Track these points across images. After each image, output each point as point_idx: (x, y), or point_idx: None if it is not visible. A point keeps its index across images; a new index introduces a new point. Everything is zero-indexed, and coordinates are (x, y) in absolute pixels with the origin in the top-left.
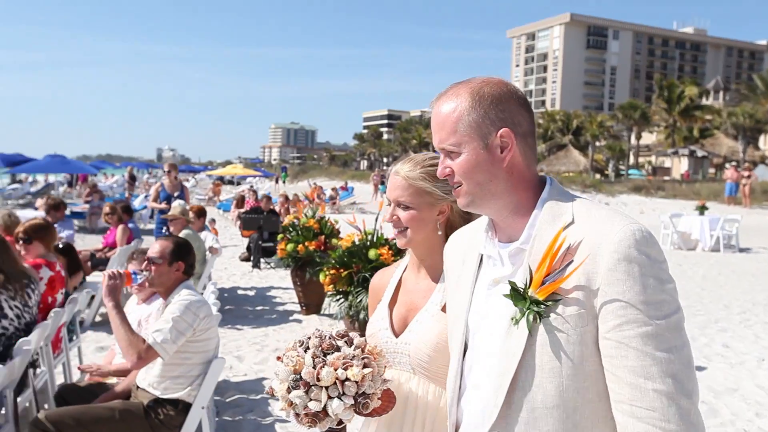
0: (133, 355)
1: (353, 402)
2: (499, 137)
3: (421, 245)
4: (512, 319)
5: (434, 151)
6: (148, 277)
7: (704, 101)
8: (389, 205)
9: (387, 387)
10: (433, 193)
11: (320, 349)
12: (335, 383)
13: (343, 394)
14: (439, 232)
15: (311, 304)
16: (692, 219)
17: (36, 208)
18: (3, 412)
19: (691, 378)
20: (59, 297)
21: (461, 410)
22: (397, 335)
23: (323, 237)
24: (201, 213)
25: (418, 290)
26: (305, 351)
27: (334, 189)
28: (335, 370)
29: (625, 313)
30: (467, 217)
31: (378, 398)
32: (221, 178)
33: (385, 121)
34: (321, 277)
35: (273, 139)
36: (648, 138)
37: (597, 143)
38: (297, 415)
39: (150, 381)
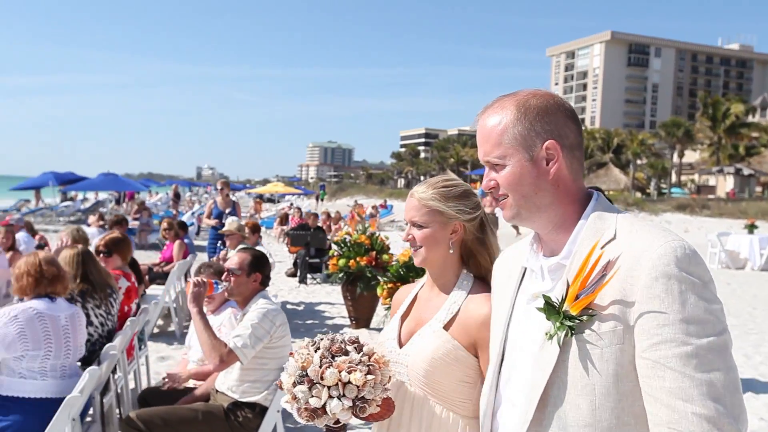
0: (216, 358)
1: (351, 404)
2: (545, 149)
3: (435, 263)
4: (546, 333)
5: (471, 168)
6: (228, 287)
7: (750, 118)
8: (407, 225)
9: (387, 396)
10: (445, 213)
11: (329, 350)
12: (337, 384)
13: (343, 395)
14: (451, 251)
15: (361, 318)
16: (741, 238)
17: (89, 225)
18: (91, 412)
19: (736, 404)
20: (133, 307)
21: (497, 424)
22: (401, 346)
23: (374, 252)
24: (255, 229)
25: (429, 306)
26: (315, 351)
27: (374, 207)
28: (339, 372)
29: (663, 332)
30: (481, 237)
31: (377, 405)
32: (260, 196)
33: (423, 140)
34: (378, 290)
35: (310, 158)
36: (691, 156)
37: (638, 161)
38: (299, 409)
39: (229, 385)
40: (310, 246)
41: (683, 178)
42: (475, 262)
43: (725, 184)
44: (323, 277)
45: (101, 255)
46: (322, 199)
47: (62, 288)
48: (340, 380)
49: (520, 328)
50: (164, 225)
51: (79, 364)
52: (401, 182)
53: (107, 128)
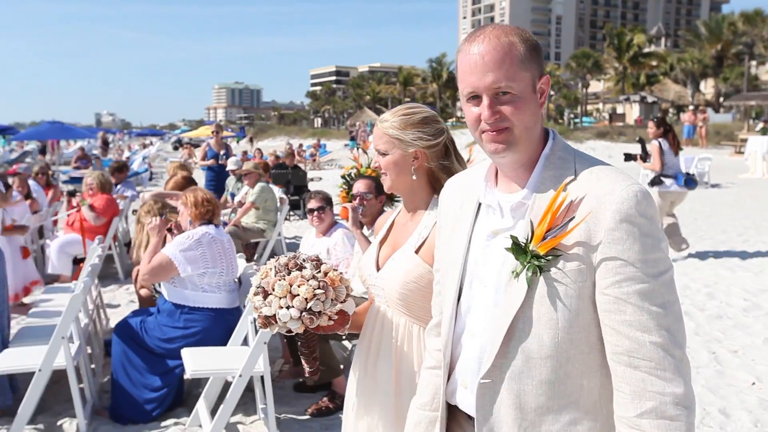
0: None
1: (299, 315)
2: (542, 83)
3: (403, 189)
4: (512, 272)
5: (400, 102)
6: (363, 210)
7: (649, 48)
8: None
9: (342, 310)
10: (404, 140)
11: (286, 266)
12: (286, 296)
13: (291, 306)
14: (414, 177)
15: None
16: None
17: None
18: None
19: (680, 330)
20: None
21: (456, 355)
22: (378, 270)
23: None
24: (266, 168)
25: (404, 231)
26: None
27: (314, 146)
28: (290, 285)
29: (625, 271)
30: (446, 164)
31: (329, 318)
32: (189, 141)
33: (334, 78)
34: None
35: (217, 100)
36: (595, 86)
37: (551, 93)
38: (258, 317)
39: None
40: (291, 184)
41: (589, 107)
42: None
43: (632, 112)
44: (302, 214)
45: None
46: (240, 141)
47: (216, 218)
48: (289, 292)
49: (478, 262)
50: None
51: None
52: (318, 122)
53: None
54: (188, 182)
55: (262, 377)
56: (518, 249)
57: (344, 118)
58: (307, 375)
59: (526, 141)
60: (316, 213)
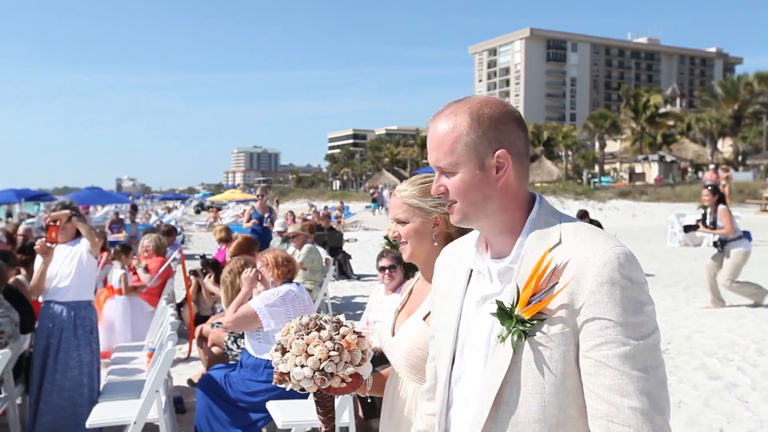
0: None
1: (312, 374)
2: (496, 158)
3: (421, 256)
4: (499, 336)
5: (412, 167)
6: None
7: (665, 108)
8: (393, 223)
9: (356, 373)
10: (424, 208)
11: (306, 325)
12: (302, 355)
13: (305, 365)
14: (436, 243)
15: None
16: (696, 217)
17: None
18: None
19: (664, 397)
20: None
21: (449, 422)
22: (393, 336)
23: None
24: (312, 230)
25: (418, 299)
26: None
27: (339, 208)
28: (307, 344)
29: (605, 334)
30: (463, 229)
31: (341, 380)
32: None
33: (351, 141)
34: None
35: (236, 164)
36: (612, 146)
37: (569, 153)
38: (274, 372)
39: None
40: (327, 245)
41: (606, 167)
42: None
43: (651, 171)
44: (337, 275)
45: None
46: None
47: (295, 276)
48: (305, 351)
49: (469, 328)
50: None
51: None
52: (336, 184)
53: (20, 142)
54: (250, 242)
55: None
56: (503, 314)
57: (363, 181)
58: None
59: (481, 215)
60: (387, 271)
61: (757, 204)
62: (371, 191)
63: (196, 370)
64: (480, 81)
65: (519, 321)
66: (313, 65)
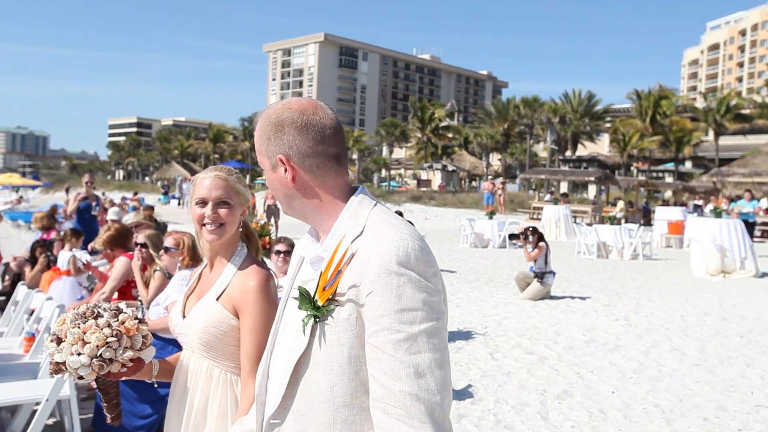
0: None
1: (89, 361)
2: (279, 161)
3: (228, 240)
4: (302, 320)
5: (209, 162)
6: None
7: (445, 122)
8: (200, 205)
9: (138, 357)
10: (243, 194)
11: (84, 315)
12: (77, 344)
13: (82, 353)
14: (240, 229)
15: None
16: (484, 222)
17: None
18: None
19: (438, 380)
20: None
21: (267, 393)
22: (184, 318)
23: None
24: (152, 219)
25: (209, 282)
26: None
27: (135, 200)
28: (84, 333)
29: (381, 321)
30: (249, 218)
31: (122, 365)
32: None
33: (135, 129)
34: None
35: None
36: (397, 153)
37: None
38: (50, 363)
39: None
40: None
41: (392, 172)
42: (252, 237)
43: (435, 178)
44: None
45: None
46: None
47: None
48: (81, 339)
49: (289, 311)
50: None
51: None
52: (120, 174)
53: None
54: (126, 234)
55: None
56: (304, 298)
57: (150, 172)
58: (109, 422)
59: (292, 208)
60: (283, 255)
61: (527, 212)
62: (163, 183)
63: None
64: (274, 80)
65: (314, 306)
66: (90, 44)
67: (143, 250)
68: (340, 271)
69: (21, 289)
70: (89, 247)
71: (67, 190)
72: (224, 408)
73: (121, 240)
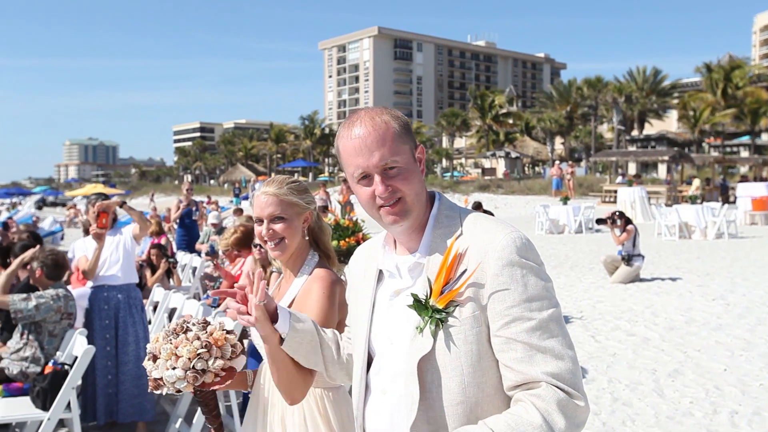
0: None
1: (184, 374)
2: (419, 152)
3: (292, 252)
4: (417, 327)
5: (272, 162)
6: None
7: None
8: (258, 223)
9: (230, 366)
10: (299, 204)
11: (173, 331)
12: (171, 358)
13: (176, 367)
14: (307, 237)
15: None
16: (559, 208)
17: None
18: None
19: (573, 359)
20: None
21: (368, 415)
22: None
23: (360, 234)
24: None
25: (281, 293)
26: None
27: (215, 204)
28: (175, 347)
29: (511, 312)
30: (320, 223)
31: (215, 375)
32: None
33: (198, 134)
34: None
35: (69, 157)
36: (457, 142)
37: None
38: (150, 380)
39: None
40: None
41: (454, 162)
42: (321, 243)
43: (499, 167)
44: None
45: None
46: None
47: None
48: (174, 354)
49: (384, 323)
50: None
51: None
52: (188, 178)
53: None
54: (249, 235)
55: None
56: (419, 305)
57: (216, 175)
58: None
59: (418, 206)
60: None
61: (598, 196)
62: (235, 186)
63: None
64: (330, 77)
65: (434, 310)
66: (152, 54)
67: (261, 250)
68: (464, 273)
69: (158, 291)
70: (199, 248)
71: (152, 197)
72: (300, 420)
73: (247, 241)
